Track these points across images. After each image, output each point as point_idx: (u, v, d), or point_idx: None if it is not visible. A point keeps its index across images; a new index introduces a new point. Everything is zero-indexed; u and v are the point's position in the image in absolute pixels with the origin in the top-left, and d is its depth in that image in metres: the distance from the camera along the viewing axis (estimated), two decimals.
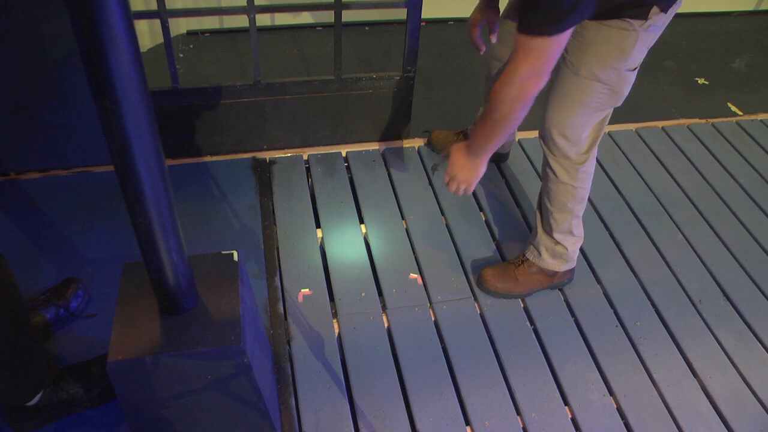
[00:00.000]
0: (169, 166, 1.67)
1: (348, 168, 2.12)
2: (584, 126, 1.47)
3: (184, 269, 0.96)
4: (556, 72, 1.49)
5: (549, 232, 1.65)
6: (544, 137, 1.54)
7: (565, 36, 1.20)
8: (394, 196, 2.01)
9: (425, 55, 2.74)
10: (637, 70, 1.42)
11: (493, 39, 1.69)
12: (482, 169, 1.48)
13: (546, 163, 1.58)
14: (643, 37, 1.33)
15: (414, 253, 1.83)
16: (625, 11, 1.31)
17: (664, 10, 1.30)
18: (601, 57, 1.36)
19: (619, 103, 1.47)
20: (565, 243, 1.64)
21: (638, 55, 1.37)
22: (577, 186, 1.55)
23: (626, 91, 1.44)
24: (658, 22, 1.32)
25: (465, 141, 1.48)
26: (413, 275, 1.77)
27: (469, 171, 1.49)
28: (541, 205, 1.66)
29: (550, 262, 1.68)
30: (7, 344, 1.14)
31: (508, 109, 1.30)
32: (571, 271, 1.75)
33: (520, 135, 2.32)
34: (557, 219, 1.62)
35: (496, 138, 1.40)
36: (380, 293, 1.72)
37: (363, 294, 1.70)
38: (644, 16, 1.30)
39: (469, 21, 1.69)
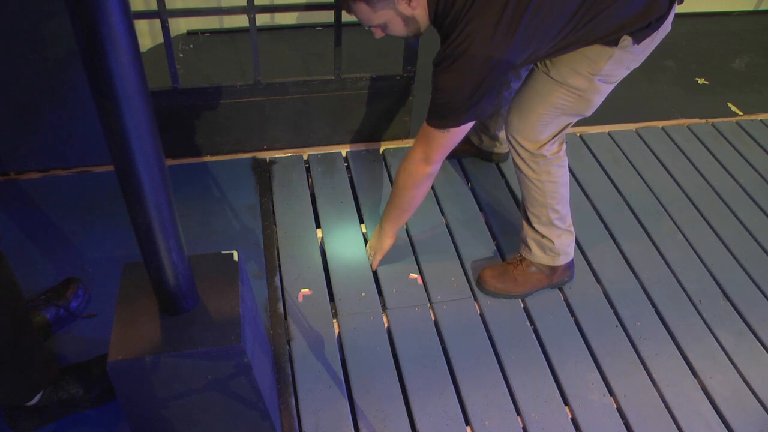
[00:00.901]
0: (169, 166, 1.67)
1: (348, 168, 2.12)
2: (545, 126, 1.48)
3: (184, 269, 0.96)
4: (529, 72, 1.50)
5: (531, 225, 1.66)
6: (505, 128, 1.57)
7: (458, 132, 1.38)
8: None
9: (425, 55, 2.73)
10: (614, 84, 1.42)
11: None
12: (387, 241, 1.70)
13: (512, 159, 1.60)
14: (619, 55, 1.34)
15: (414, 253, 1.83)
16: (593, 43, 1.34)
17: (636, 40, 1.31)
18: (572, 63, 1.38)
19: (589, 113, 1.47)
20: (549, 236, 1.64)
21: (613, 69, 1.37)
22: (543, 180, 1.56)
23: (597, 101, 1.43)
24: (638, 46, 1.33)
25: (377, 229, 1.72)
26: (413, 275, 1.77)
27: (376, 240, 1.73)
28: (523, 201, 1.67)
29: (540, 256, 1.68)
30: (8, 344, 1.14)
31: (401, 183, 1.52)
32: (571, 269, 1.75)
33: None
34: (534, 213, 1.63)
35: (396, 212, 1.62)
36: (380, 293, 1.72)
37: (363, 294, 1.70)
38: (614, 44, 1.32)
39: (379, 252, 1.77)
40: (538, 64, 1.44)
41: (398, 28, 1.37)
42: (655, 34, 1.32)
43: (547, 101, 1.44)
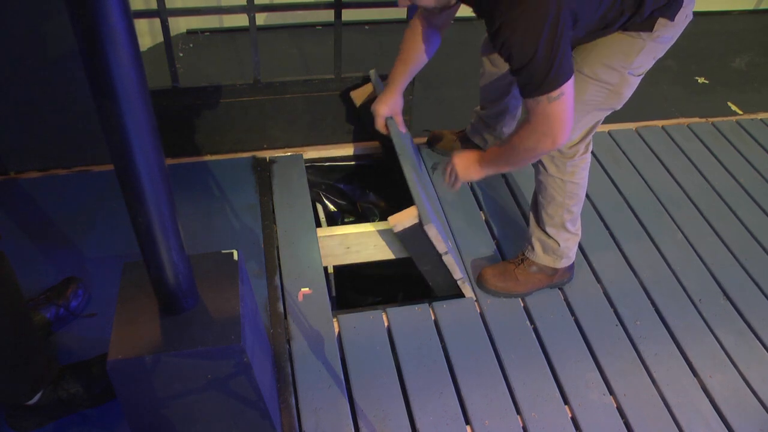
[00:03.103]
0: (169, 165, 1.67)
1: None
2: (577, 123, 1.47)
3: (184, 268, 0.96)
4: None
5: (541, 226, 1.65)
6: None
7: (567, 97, 1.24)
8: None
9: None
10: (642, 76, 1.42)
11: (403, 130, 1.80)
12: (477, 177, 1.55)
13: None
14: (651, 46, 1.34)
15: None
16: (630, 26, 1.32)
17: (670, 17, 1.30)
18: (604, 57, 1.37)
19: (619, 106, 1.46)
20: (557, 238, 1.64)
21: (643, 61, 1.37)
22: (566, 180, 1.55)
23: (627, 93, 1.43)
24: (667, 33, 1.33)
25: (480, 152, 1.53)
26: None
27: (468, 171, 1.55)
28: (535, 200, 1.66)
29: (542, 257, 1.68)
30: (8, 344, 1.14)
31: (522, 156, 1.38)
32: (571, 269, 1.76)
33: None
34: (549, 213, 1.62)
35: (503, 167, 1.50)
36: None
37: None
38: (650, 28, 1.31)
39: (376, 110, 1.78)
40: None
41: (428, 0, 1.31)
42: (682, 10, 1.31)
43: (578, 98, 1.42)
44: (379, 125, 1.79)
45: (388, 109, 1.77)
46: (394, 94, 1.76)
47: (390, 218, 1.54)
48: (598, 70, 1.38)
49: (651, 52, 1.36)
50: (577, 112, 1.45)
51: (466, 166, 1.56)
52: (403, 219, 1.54)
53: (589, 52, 1.38)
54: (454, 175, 1.57)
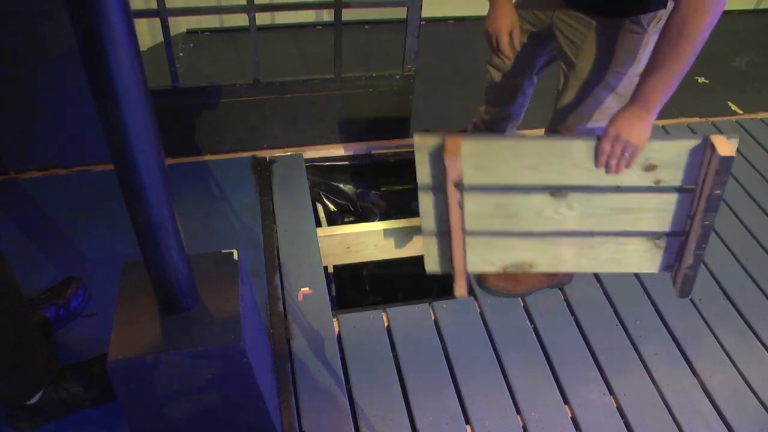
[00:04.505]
0: (169, 165, 1.67)
1: None
2: (596, 127, 1.46)
3: (184, 268, 0.96)
4: (564, 79, 1.48)
5: None
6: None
7: None
8: None
9: (425, 54, 2.73)
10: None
11: (518, 46, 1.55)
12: (650, 127, 1.27)
13: None
14: (654, 39, 1.33)
15: None
16: (647, 5, 1.29)
17: None
18: (613, 64, 1.35)
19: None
20: None
21: (647, 58, 1.35)
22: None
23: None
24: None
25: (631, 101, 1.26)
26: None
27: (638, 131, 1.25)
28: None
29: None
30: (8, 344, 1.14)
31: (697, 46, 1.15)
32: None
33: (522, 134, 2.31)
34: None
35: (677, 80, 1.24)
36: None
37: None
38: (663, 5, 1.27)
39: (496, 28, 1.50)
40: (576, 72, 1.41)
41: None
42: None
43: (595, 109, 1.42)
44: (504, 45, 1.48)
45: (508, 23, 1.46)
46: (506, 4, 1.47)
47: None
48: (609, 78, 1.38)
49: (652, 45, 1.35)
50: (598, 122, 1.44)
51: (632, 127, 1.23)
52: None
53: (595, 60, 1.37)
54: (630, 149, 1.24)
